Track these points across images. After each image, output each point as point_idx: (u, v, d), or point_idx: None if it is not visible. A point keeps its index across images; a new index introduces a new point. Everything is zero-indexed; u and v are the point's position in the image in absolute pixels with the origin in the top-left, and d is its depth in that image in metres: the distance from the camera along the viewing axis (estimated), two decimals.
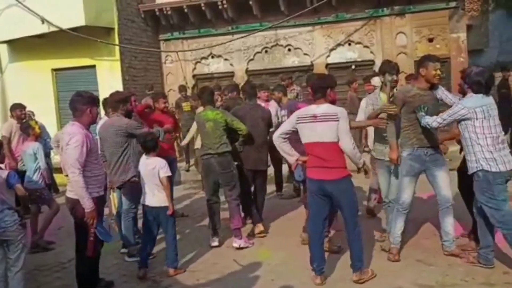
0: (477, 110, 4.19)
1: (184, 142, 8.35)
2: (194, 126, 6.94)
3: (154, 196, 4.87)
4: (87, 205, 4.03)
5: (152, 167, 4.85)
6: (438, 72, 4.56)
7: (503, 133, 4.36)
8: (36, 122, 6.56)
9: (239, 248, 5.47)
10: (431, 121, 4.40)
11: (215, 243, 5.64)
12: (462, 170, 4.76)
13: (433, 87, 4.66)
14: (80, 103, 4.18)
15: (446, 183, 4.74)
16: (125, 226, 5.41)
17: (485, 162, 4.19)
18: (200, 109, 6.23)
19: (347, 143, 4.16)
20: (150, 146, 4.92)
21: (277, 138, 4.46)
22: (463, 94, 4.47)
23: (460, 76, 4.56)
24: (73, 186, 4.05)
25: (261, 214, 6.13)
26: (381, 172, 5.17)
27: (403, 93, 4.73)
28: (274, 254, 5.20)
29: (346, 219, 4.31)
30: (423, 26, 10.50)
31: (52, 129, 10.70)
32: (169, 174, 4.91)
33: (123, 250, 5.55)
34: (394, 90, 5.04)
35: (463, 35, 10.40)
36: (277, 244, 5.51)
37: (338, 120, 4.14)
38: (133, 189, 5.31)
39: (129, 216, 5.40)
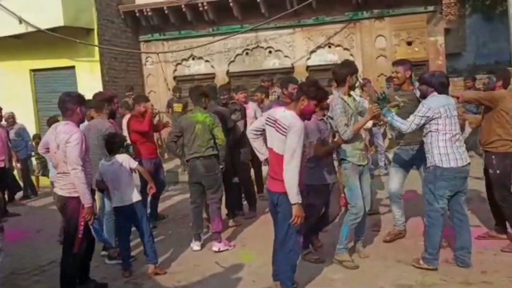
0: (441, 109, 4.36)
1: None
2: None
3: (125, 195, 4.89)
4: (88, 200, 4.15)
5: (118, 165, 4.88)
6: (394, 74, 5.20)
7: (460, 132, 4.55)
8: None
9: (219, 251, 5.47)
10: (405, 127, 4.51)
11: (197, 248, 5.59)
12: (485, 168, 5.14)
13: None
14: (70, 103, 4.28)
15: None
16: (106, 228, 5.35)
17: (438, 158, 4.39)
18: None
19: (285, 164, 3.72)
20: (114, 148, 4.96)
21: (248, 133, 4.36)
22: (425, 97, 4.60)
23: (420, 82, 4.70)
24: (75, 182, 4.11)
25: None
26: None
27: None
28: (256, 256, 5.19)
29: (276, 234, 4.12)
30: (402, 30, 10.67)
31: (31, 130, 10.57)
32: (136, 163, 5.06)
33: (103, 252, 5.49)
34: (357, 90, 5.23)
35: (441, 38, 10.59)
36: (258, 246, 5.50)
37: (285, 135, 3.76)
38: None
39: (111, 218, 5.34)
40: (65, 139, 4.10)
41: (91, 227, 4.25)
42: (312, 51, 11.18)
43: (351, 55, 10.87)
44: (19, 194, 9.22)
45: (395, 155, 5.41)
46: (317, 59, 11.22)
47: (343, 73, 4.68)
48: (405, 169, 5.28)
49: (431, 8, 10.48)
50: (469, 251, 4.52)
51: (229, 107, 6.67)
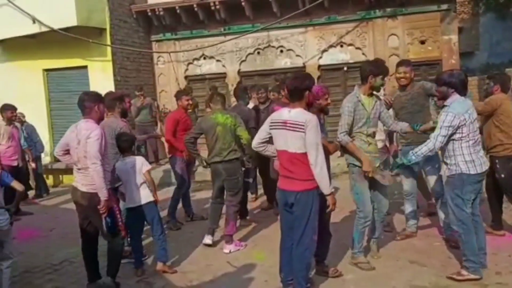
0: (465, 116, 4.15)
1: None
2: None
3: (136, 196, 4.94)
4: (104, 194, 4.27)
5: (131, 166, 4.94)
6: (403, 75, 5.20)
7: (479, 135, 4.37)
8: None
9: (229, 253, 5.46)
10: (432, 146, 4.22)
11: (208, 241, 5.61)
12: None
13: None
14: (88, 101, 4.42)
15: (433, 179, 5.12)
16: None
17: (464, 166, 4.20)
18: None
19: (313, 159, 3.79)
20: (125, 146, 5.03)
21: (256, 148, 4.26)
22: (444, 99, 4.35)
23: (439, 83, 4.38)
24: (93, 176, 4.23)
25: None
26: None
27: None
28: (268, 256, 5.17)
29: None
30: (415, 28, 10.55)
31: (43, 130, 10.67)
32: (150, 167, 5.13)
33: None
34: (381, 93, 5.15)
35: (455, 37, 10.47)
36: (270, 246, 5.46)
37: (304, 131, 3.79)
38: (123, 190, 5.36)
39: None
40: (86, 135, 4.24)
41: (103, 219, 4.38)
42: (324, 50, 11.11)
43: (363, 54, 10.79)
44: (31, 193, 9.29)
45: (401, 155, 5.30)
46: (329, 58, 11.14)
47: (365, 71, 4.54)
48: (411, 169, 5.20)
49: (444, 6, 10.35)
50: (485, 252, 4.41)
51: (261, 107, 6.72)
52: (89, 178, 4.31)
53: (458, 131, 4.16)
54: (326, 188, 3.89)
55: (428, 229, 5.67)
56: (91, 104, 4.40)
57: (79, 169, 4.39)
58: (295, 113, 3.88)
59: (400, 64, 5.38)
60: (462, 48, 12.36)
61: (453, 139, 4.21)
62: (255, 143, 4.25)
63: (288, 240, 4.09)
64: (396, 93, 5.40)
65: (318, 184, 3.85)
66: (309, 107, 4.14)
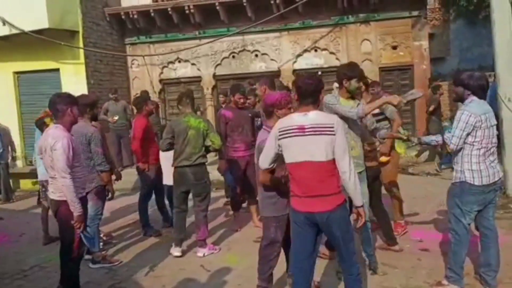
0: (482, 117, 3.83)
1: None
2: None
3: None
4: (77, 208, 4.04)
5: None
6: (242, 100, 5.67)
7: (496, 143, 4.00)
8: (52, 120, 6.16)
9: (204, 256, 5.45)
10: (448, 142, 3.95)
11: (178, 253, 5.48)
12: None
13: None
14: (60, 104, 4.16)
15: None
16: (90, 232, 5.31)
17: (469, 175, 3.90)
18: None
19: (344, 164, 3.27)
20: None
21: (264, 166, 3.58)
22: (461, 101, 4.08)
23: (456, 83, 4.08)
24: (63, 191, 4.02)
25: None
26: None
27: None
28: (242, 259, 5.19)
29: (343, 258, 3.51)
30: (387, 34, 10.75)
31: (14, 133, 10.46)
32: None
33: (87, 256, 5.42)
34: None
35: (425, 43, 10.70)
36: (244, 249, 5.50)
37: (334, 134, 3.28)
38: (100, 194, 5.33)
39: (95, 222, 5.32)
40: (51, 145, 4.01)
41: (81, 235, 4.15)
42: (299, 55, 11.22)
43: (337, 59, 10.93)
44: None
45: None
46: (303, 63, 11.25)
47: (340, 75, 4.40)
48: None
49: (415, 13, 10.58)
50: (494, 270, 4.08)
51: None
52: (56, 186, 4.14)
53: (471, 134, 3.83)
54: (359, 199, 3.40)
55: (398, 232, 5.75)
56: (63, 107, 4.14)
57: (50, 176, 4.23)
58: (316, 116, 3.36)
59: (237, 90, 5.66)
60: (433, 53, 12.64)
61: (465, 143, 3.88)
62: (264, 166, 3.58)
63: (307, 263, 3.50)
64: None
65: (351, 194, 3.37)
66: (268, 117, 3.91)
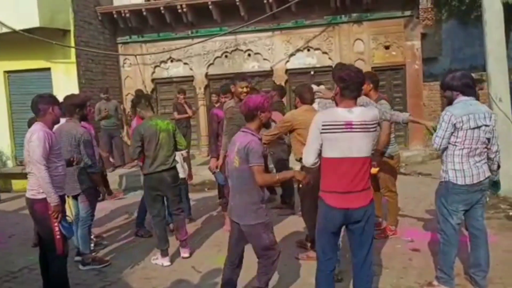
0: (463, 118, 3.85)
1: None
2: None
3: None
4: (53, 199, 4.05)
5: None
6: (241, 90, 5.34)
7: (484, 145, 3.97)
8: None
9: (189, 256, 5.45)
10: (432, 142, 4.06)
11: (168, 263, 5.30)
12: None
13: None
14: (41, 103, 4.24)
15: None
16: (81, 234, 5.29)
17: (453, 174, 3.96)
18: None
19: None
20: None
21: (314, 165, 3.49)
22: (451, 104, 4.06)
23: (443, 88, 4.12)
24: (39, 181, 4.03)
25: None
26: None
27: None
28: None
29: (357, 254, 3.53)
30: (380, 34, 10.76)
31: (4, 133, 10.38)
32: None
33: (77, 258, 5.40)
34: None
35: (418, 43, 10.71)
36: None
37: (375, 129, 3.40)
38: (90, 196, 5.29)
39: (86, 224, 5.29)
40: (28, 138, 4.08)
41: (59, 225, 4.13)
42: (291, 54, 11.20)
43: (330, 58, 10.92)
44: None
45: None
46: (296, 62, 11.24)
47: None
48: None
49: (408, 13, 10.59)
50: (484, 270, 4.09)
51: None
52: (31, 183, 4.13)
53: (454, 134, 3.90)
54: None
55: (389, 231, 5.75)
56: (45, 106, 4.21)
57: (27, 172, 4.20)
58: (361, 112, 3.34)
59: (242, 79, 5.52)
60: (425, 53, 12.67)
61: (449, 143, 3.94)
62: (310, 161, 3.46)
63: (330, 264, 3.58)
64: (230, 104, 5.58)
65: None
66: (249, 120, 3.79)
